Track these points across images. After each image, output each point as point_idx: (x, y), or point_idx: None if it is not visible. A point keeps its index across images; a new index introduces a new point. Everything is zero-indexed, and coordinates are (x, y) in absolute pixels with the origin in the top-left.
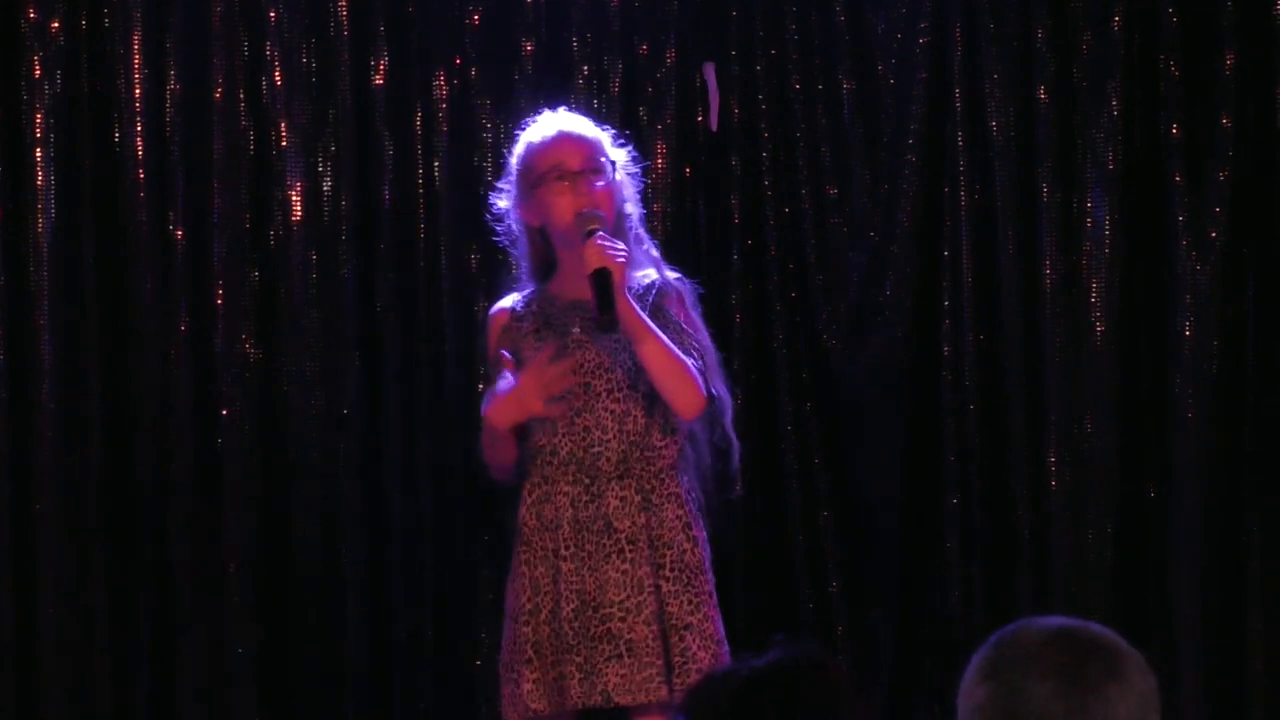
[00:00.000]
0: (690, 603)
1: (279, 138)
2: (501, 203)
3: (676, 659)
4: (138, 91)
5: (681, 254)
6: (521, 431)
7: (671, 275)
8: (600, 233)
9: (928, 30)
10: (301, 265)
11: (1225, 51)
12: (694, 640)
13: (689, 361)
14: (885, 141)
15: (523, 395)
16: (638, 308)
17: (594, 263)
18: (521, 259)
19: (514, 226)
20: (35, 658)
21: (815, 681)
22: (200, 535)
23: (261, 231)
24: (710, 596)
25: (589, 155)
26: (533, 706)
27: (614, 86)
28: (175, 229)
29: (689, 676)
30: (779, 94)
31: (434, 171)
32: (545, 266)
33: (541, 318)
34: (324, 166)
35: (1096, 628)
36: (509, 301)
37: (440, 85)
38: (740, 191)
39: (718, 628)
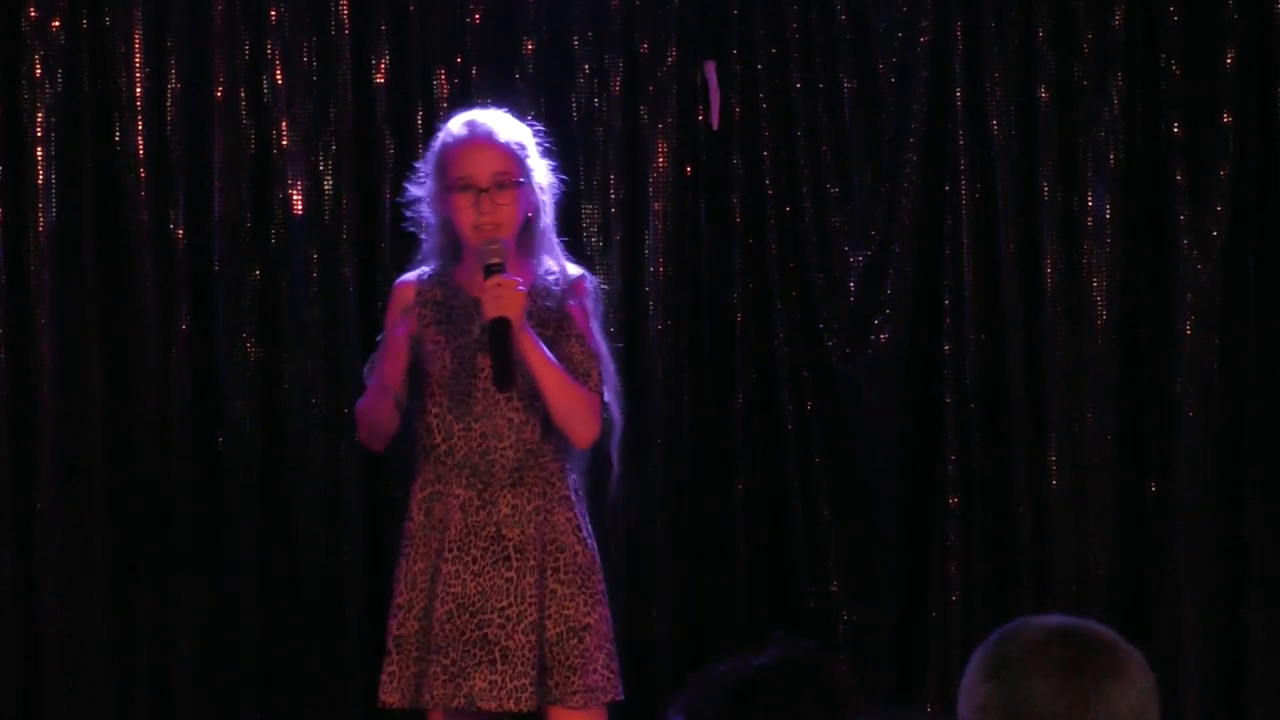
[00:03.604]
0: (586, 604)
1: (280, 137)
2: (416, 190)
3: (576, 660)
4: (139, 90)
5: (682, 252)
6: (407, 423)
7: (574, 271)
8: (497, 271)
9: (929, 29)
10: (302, 264)
11: (1226, 50)
12: (592, 640)
13: (586, 393)
14: (886, 140)
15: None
16: (536, 339)
17: (490, 311)
18: (429, 239)
19: (425, 213)
20: (36, 657)
21: (814, 680)
22: (201, 535)
23: (262, 231)
24: (603, 596)
25: (499, 169)
26: (383, 698)
27: (615, 85)
28: (176, 228)
29: (588, 676)
30: (780, 92)
31: None
32: (453, 251)
33: (444, 309)
34: (325, 165)
35: (1096, 626)
36: (414, 276)
37: (441, 84)
38: (741, 190)
39: (610, 628)
